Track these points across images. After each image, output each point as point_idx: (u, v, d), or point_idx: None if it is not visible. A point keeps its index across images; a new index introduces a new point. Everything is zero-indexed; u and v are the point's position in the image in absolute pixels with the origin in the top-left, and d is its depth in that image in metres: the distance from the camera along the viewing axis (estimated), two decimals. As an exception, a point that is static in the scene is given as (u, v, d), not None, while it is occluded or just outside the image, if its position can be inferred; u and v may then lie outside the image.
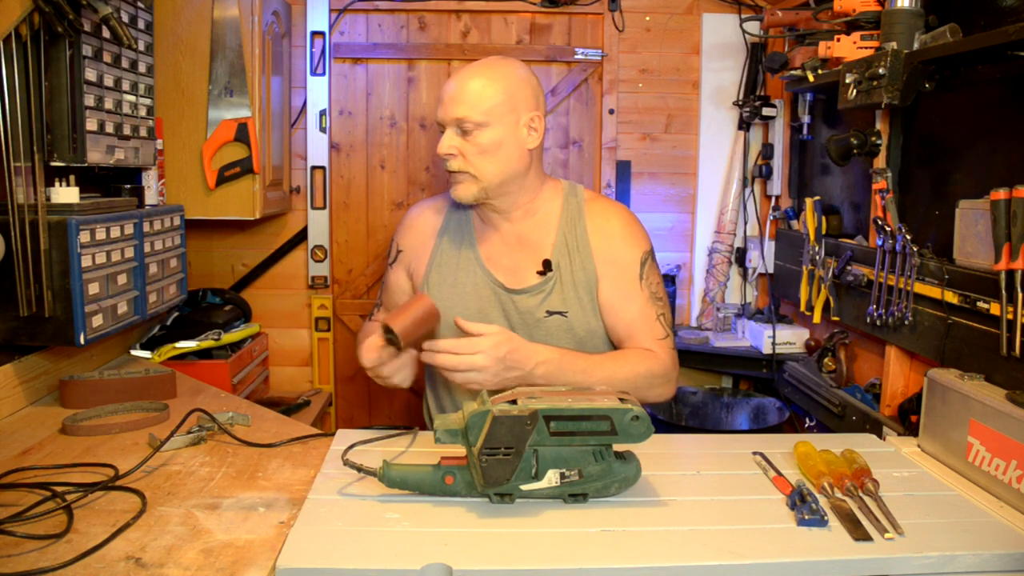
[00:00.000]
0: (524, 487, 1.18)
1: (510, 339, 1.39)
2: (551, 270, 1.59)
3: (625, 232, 1.61)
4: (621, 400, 1.18)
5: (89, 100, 1.66)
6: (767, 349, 2.58)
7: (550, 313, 1.58)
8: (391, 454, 1.37)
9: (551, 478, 1.18)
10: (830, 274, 2.16)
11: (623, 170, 2.94)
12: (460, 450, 1.19)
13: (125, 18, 1.80)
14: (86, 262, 1.58)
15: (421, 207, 1.77)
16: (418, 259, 1.70)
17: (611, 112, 2.90)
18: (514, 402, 1.16)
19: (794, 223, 2.59)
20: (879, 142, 1.99)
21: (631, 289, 1.58)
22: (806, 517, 1.13)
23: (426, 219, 1.73)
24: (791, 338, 2.57)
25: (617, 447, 1.22)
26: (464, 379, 1.37)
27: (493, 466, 1.14)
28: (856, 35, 1.92)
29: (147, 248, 1.84)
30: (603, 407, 1.15)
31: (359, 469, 1.22)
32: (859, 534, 1.10)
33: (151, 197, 2.08)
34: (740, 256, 2.90)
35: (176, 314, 2.51)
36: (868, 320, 1.94)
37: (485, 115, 1.51)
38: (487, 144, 1.52)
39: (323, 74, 2.83)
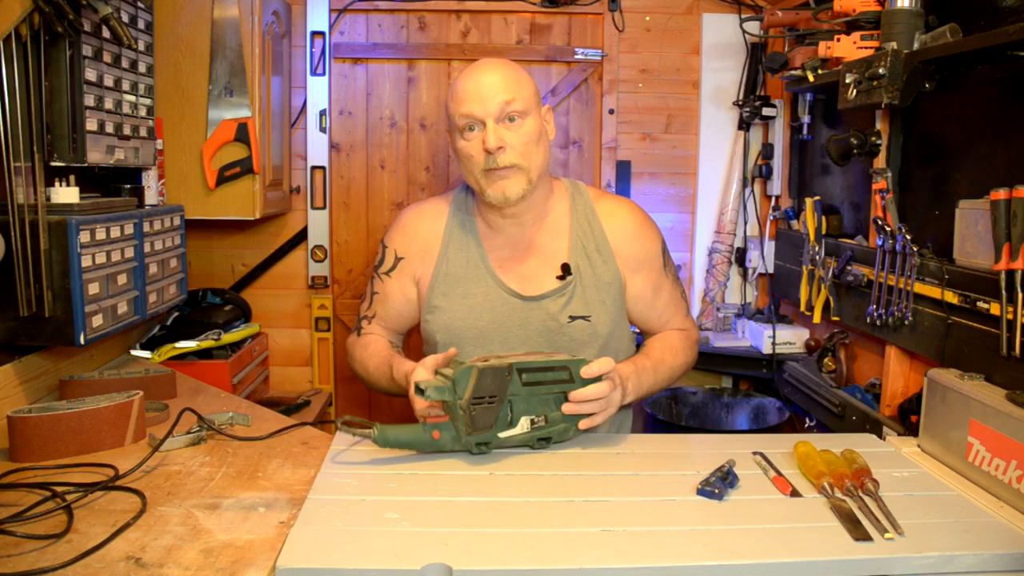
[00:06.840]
0: (502, 435, 1.33)
1: (614, 363, 1.40)
2: (570, 274, 1.56)
3: (644, 227, 1.64)
4: (572, 355, 1.38)
5: (89, 100, 1.66)
6: (767, 349, 2.58)
7: (573, 318, 1.56)
8: (388, 452, 1.37)
9: (523, 424, 1.34)
10: (830, 274, 2.16)
11: (623, 170, 2.94)
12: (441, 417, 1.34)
13: (125, 18, 1.80)
14: (86, 262, 1.58)
15: (417, 211, 1.68)
16: (423, 267, 1.62)
17: (611, 112, 2.90)
18: (486, 360, 1.32)
19: (794, 223, 2.59)
20: (879, 142, 1.99)
21: (660, 279, 1.65)
22: (702, 487, 1.21)
23: (427, 224, 1.64)
24: (791, 338, 2.58)
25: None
26: (605, 416, 1.39)
27: (481, 413, 1.29)
28: (856, 35, 1.92)
29: (147, 248, 1.84)
30: (562, 360, 1.36)
31: (354, 433, 1.30)
32: (859, 534, 1.10)
33: (151, 197, 2.08)
34: (740, 256, 2.89)
35: (176, 314, 2.51)
36: (868, 320, 1.94)
37: (527, 102, 1.47)
38: (532, 133, 1.47)
39: (323, 74, 2.83)
